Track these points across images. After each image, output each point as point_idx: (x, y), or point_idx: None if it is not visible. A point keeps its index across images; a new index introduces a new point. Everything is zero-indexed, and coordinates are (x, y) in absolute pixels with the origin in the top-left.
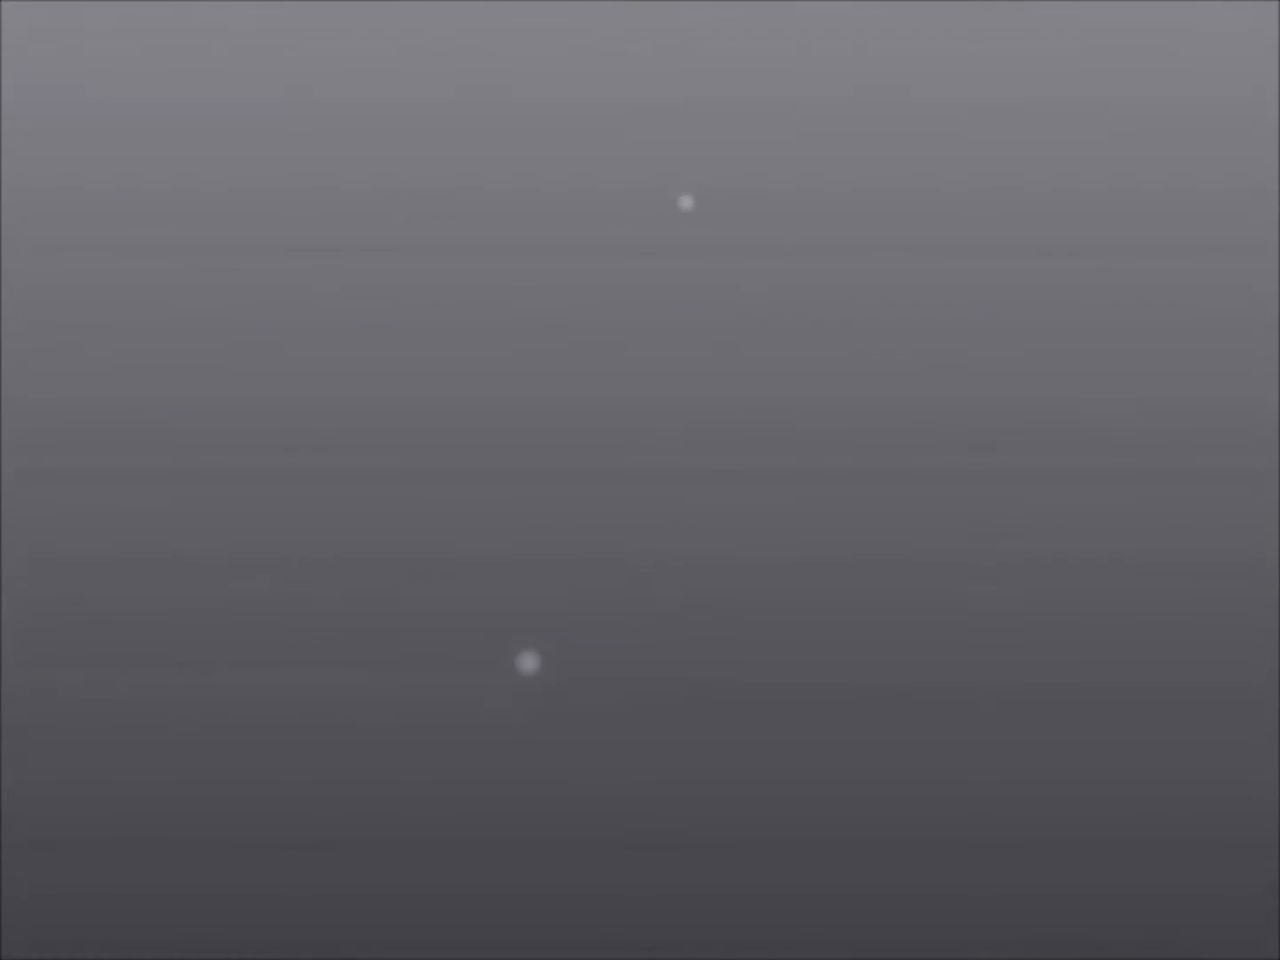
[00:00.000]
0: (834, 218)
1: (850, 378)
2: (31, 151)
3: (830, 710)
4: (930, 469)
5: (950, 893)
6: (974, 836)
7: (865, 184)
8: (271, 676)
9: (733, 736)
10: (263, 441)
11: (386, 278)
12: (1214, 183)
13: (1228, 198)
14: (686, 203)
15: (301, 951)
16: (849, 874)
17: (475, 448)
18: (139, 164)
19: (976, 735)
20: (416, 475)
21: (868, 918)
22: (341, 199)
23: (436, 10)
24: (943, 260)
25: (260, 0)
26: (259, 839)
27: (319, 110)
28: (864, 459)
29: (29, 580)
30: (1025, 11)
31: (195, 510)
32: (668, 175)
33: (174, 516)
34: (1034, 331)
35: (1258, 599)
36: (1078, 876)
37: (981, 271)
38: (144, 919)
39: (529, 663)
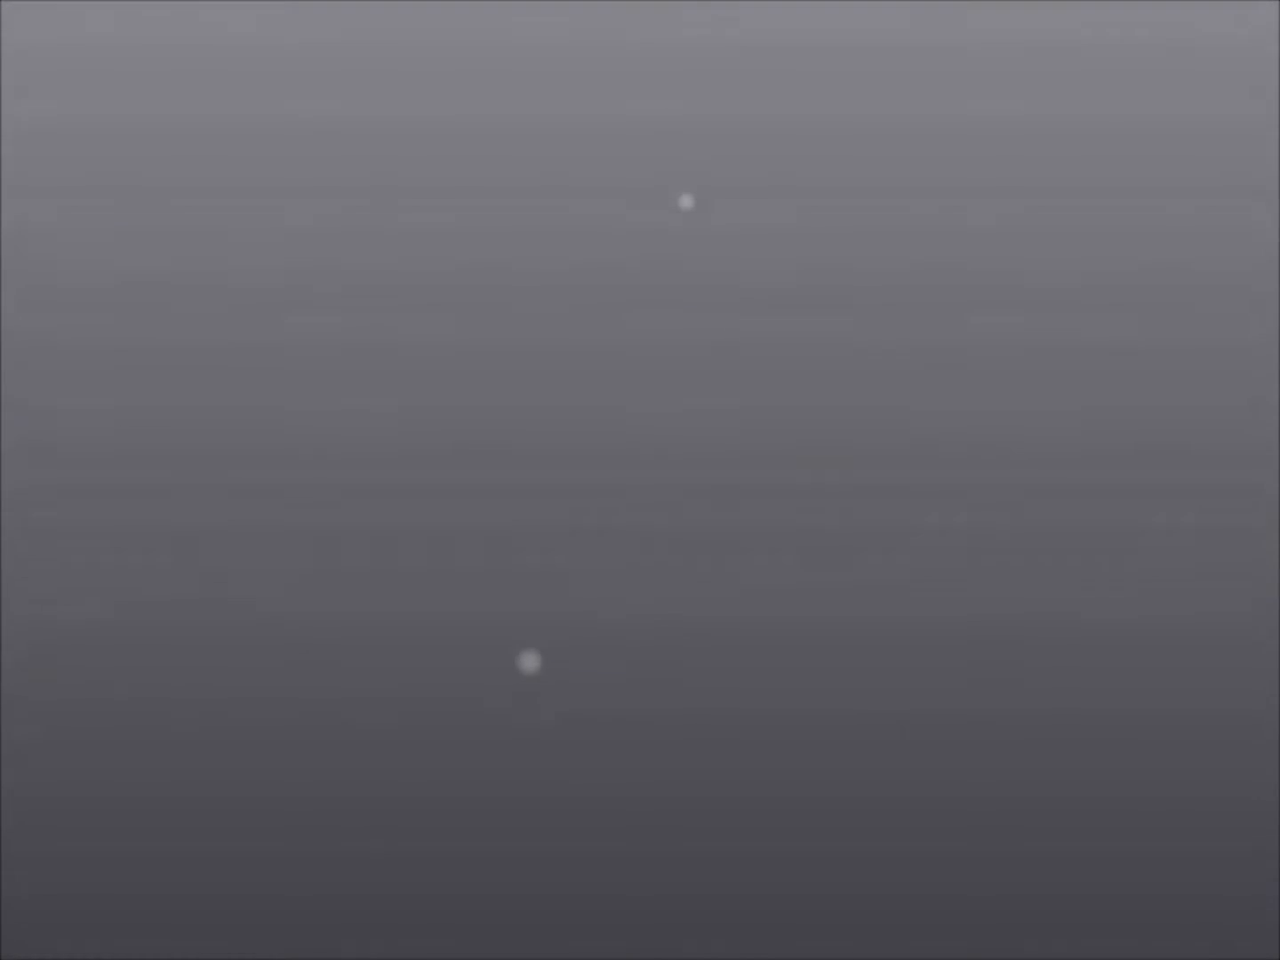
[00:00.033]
0: (833, 216)
1: (852, 380)
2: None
3: (833, 720)
4: (924, 480)
5: (948, 903)
6: (974, 846)
7: (864, 184)
8: (272, 679)
9: (734, 745)
10: (264, 446)
11: (386, 279)
12: (1214, 183)
13: (1228, 197)
14: (687, 202)
15: (302, 951)
16: (849, 879)
17: (476, 452)
18: (139, 164)
19: (978, 748)
20: (417, 475)
21: (869, 923)
22: (340, 199)
23: (436, 9)
24: (938, 257)
25: (261, 0)
26: (259, 839)
27: (320, 112)
28: (866, 470)
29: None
30: (1025, 11)
31: (195, 514)
32: (667, 174)
33: (173, 518)
34: (1034, 332)
35: (1258, 606)
36: (1078, 884)
37: (982, 273)
38: (144, 919)
39: (530, 663)
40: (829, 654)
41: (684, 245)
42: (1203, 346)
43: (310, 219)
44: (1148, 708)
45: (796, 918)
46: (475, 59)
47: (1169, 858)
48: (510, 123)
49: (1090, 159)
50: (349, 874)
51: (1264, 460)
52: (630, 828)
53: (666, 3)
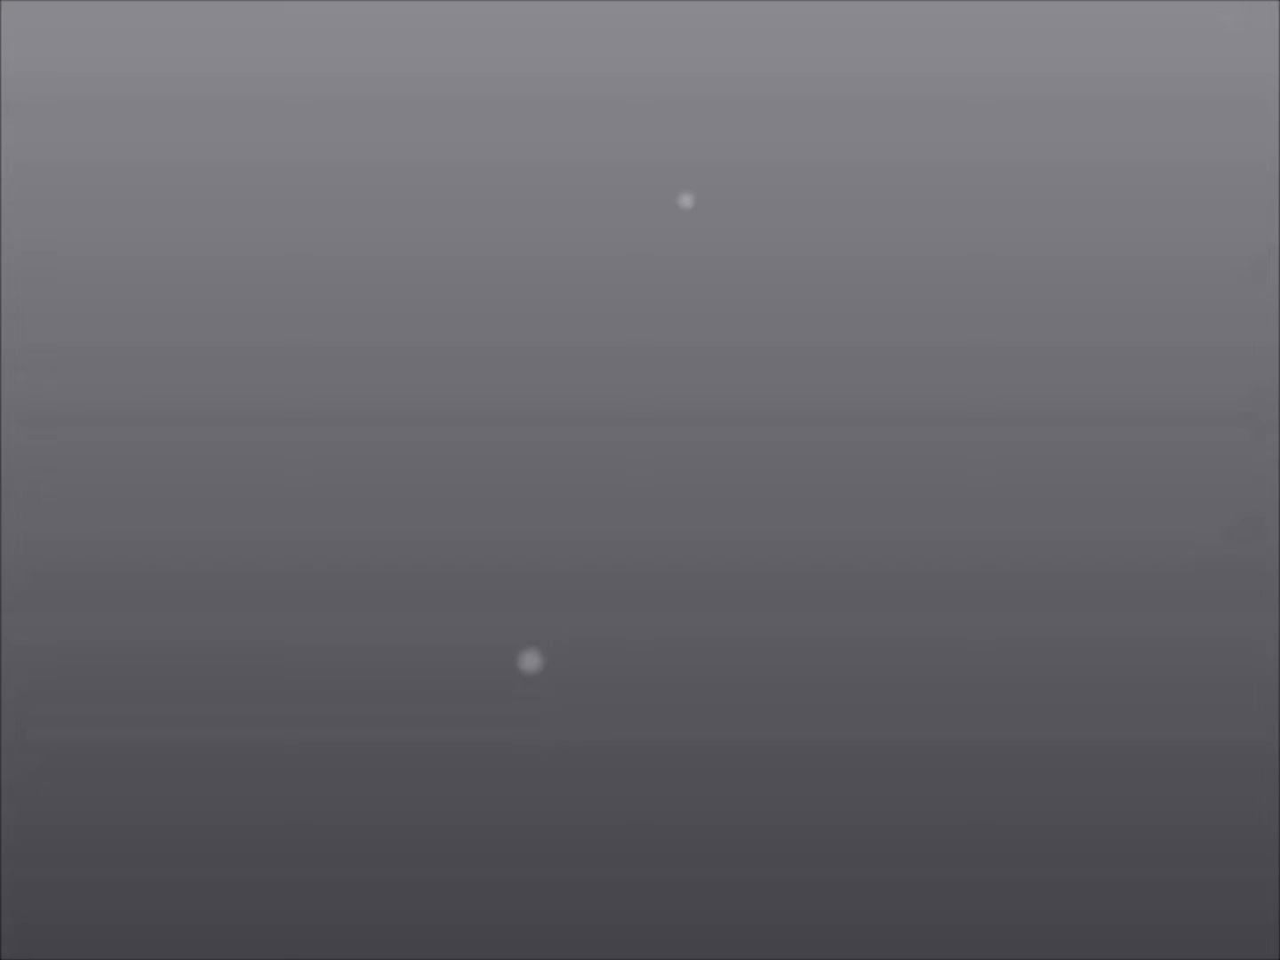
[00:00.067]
0: (834, 216)
1: (854, 379)
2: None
3: (836, 748)
4: (924, 489)
5: (946, 931)
6: (974, 873)
7: (865, 183)
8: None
9: (735, 771)
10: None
11: (386, 281)
12: (1214, 182)
13: (1228, 197)
14: (686, 201)
15: (300, 951)
16: (848, 892)
17: (476, 454)
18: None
19: (979, 777)
20: (417, 478)
21: (866, 936)
22: (338, 199)
23: (436, 8)
24: (932, 272)
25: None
26: (258, 840)
27: (320, 118)
28: (870, 475)
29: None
30: (1024, 10)
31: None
32: (668, 173)
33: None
34: (1032, 336)
35: (1258, 613)
36: (1081, 913)
37: (981, 275)
38: (144, 919)
39: (531, 662)
40: (827, 675)
41: (684, 244)
42: (1202, 353)
43: (309, 222)
44: (1148, 738)
45: (793, 945)
46: (476, 57)
47: (1170, 886)
48: (511, 120)
49: (1090, 159)
50: (349, 885)
51: (1265, 494)
52: (632, 854)
53: (667, 3)
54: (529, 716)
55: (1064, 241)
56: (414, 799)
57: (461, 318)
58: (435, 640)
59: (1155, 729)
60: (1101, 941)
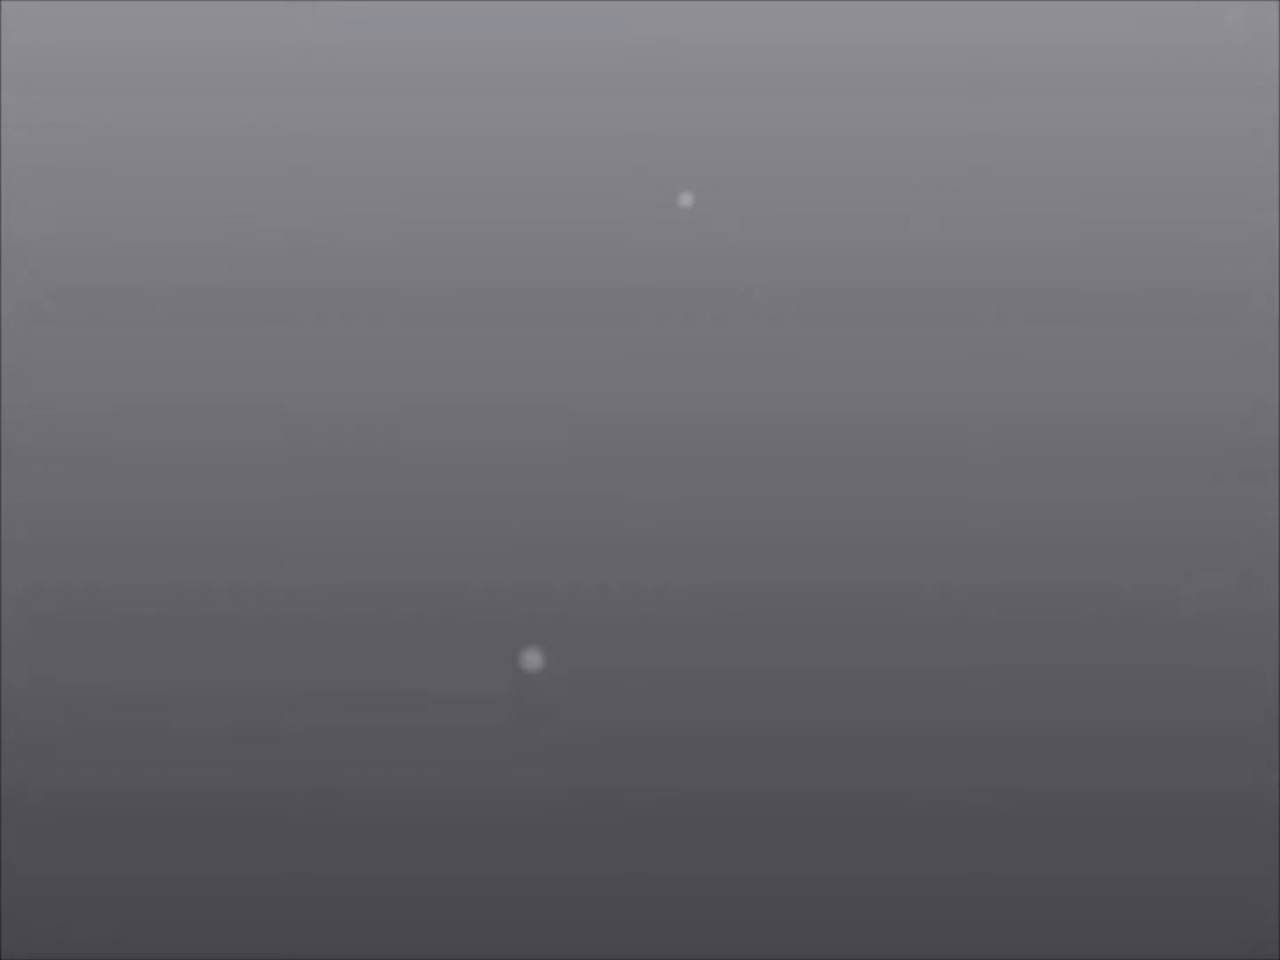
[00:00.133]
0: (833, 215)
1: (853, 377)
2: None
3: (833, 711)
4: (918, 484)
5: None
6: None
7: (864, 183)
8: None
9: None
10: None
11: (384, 282)
12: (1214, 182)
13: (1227, 197)
14: (686, 200)
15: (301, 948)
16: (849, 868)
17: (475, 455)
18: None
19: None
20: (416, 480)
21: (872, 917)
22: (337, 203)
23: (434, 12)
24: (933, 267)
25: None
26: (259, 842)
27: (321, 123)
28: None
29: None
30: (1024, 11)
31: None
32: (667, 172)
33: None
34: (1031, 342)
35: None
36: (1082, 882)
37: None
38: (144, 919)
39: (532, 661)
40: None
41: (683, 243)
42: (1202, 353)
43: (307, 219)
44: (1146, 729)
45: (792, 943)
46: (475, 59)
47: (1170, 885)
48: (509, 123)
49: (1090, 160)
50: (351, 871)
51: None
52: (631, 828)
53: (667, 3)
54: (530, 712)
55: (1063, 246)
56: (412, 792)
57: (459, 314)
58: (435, 637)
59: (1154, 717)
60: (1102, 942)
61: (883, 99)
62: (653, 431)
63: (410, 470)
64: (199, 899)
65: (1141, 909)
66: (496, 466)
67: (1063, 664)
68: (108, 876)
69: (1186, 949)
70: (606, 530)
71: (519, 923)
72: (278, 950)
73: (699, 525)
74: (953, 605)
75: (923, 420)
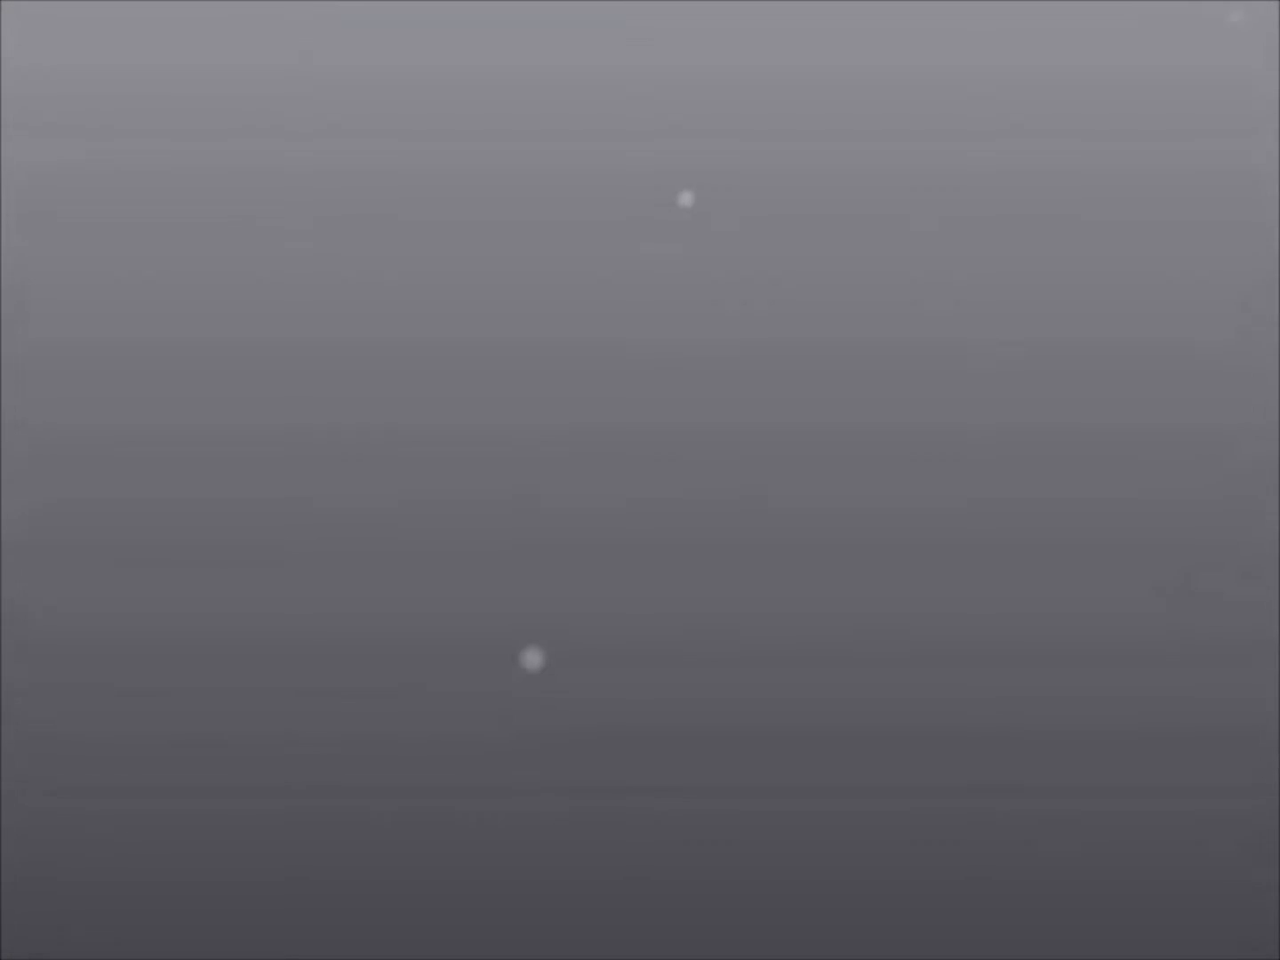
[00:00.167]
0: (832, 213)
1: (855, 374)
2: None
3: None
4: (918, 491)
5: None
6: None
7: (864, 180)
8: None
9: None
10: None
11: (384, 282)
12: (1214, 182)
13: (1227, 197)
14: (686, 199)
15: (301, 950)
16: (853, 871)
17: (479, 456)
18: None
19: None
20: (419, 481)
21: (875, 919)
22: (335, 204)
23: (435, 9)
24: (935, 260)
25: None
26: (258, 842)
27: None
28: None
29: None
30: (1024, 11)
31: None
32: (667, 171)
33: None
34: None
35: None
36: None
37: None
38: (144, 919)
39: (533, 660)
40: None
41: (683, 242)
42: (1202, 352)
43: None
44: (1147, 730)
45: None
46: (476, 57)
47: (1170, 886)
48: (510, 120)
49: (1089, 160)
50: (353, 873)
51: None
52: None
53: (667, 3)
54: (530, 711)
55: (1062, 246)
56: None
57: (459, 319)
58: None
59: (1154, 718)
60: (1103, 941)
61: (886, 101)
62: (652, 431)
63: (410, 473)
64: (198, 900)
65: (1142, 911)
66: (496, 467)
67: (1061, 668)
68: (107, 880)
69: (1187, 950)
70: (607, 531)
71: (517, 926)
72: (279, 951)
73: (699, 526)
74: (954, 608)
75: (921, 429)
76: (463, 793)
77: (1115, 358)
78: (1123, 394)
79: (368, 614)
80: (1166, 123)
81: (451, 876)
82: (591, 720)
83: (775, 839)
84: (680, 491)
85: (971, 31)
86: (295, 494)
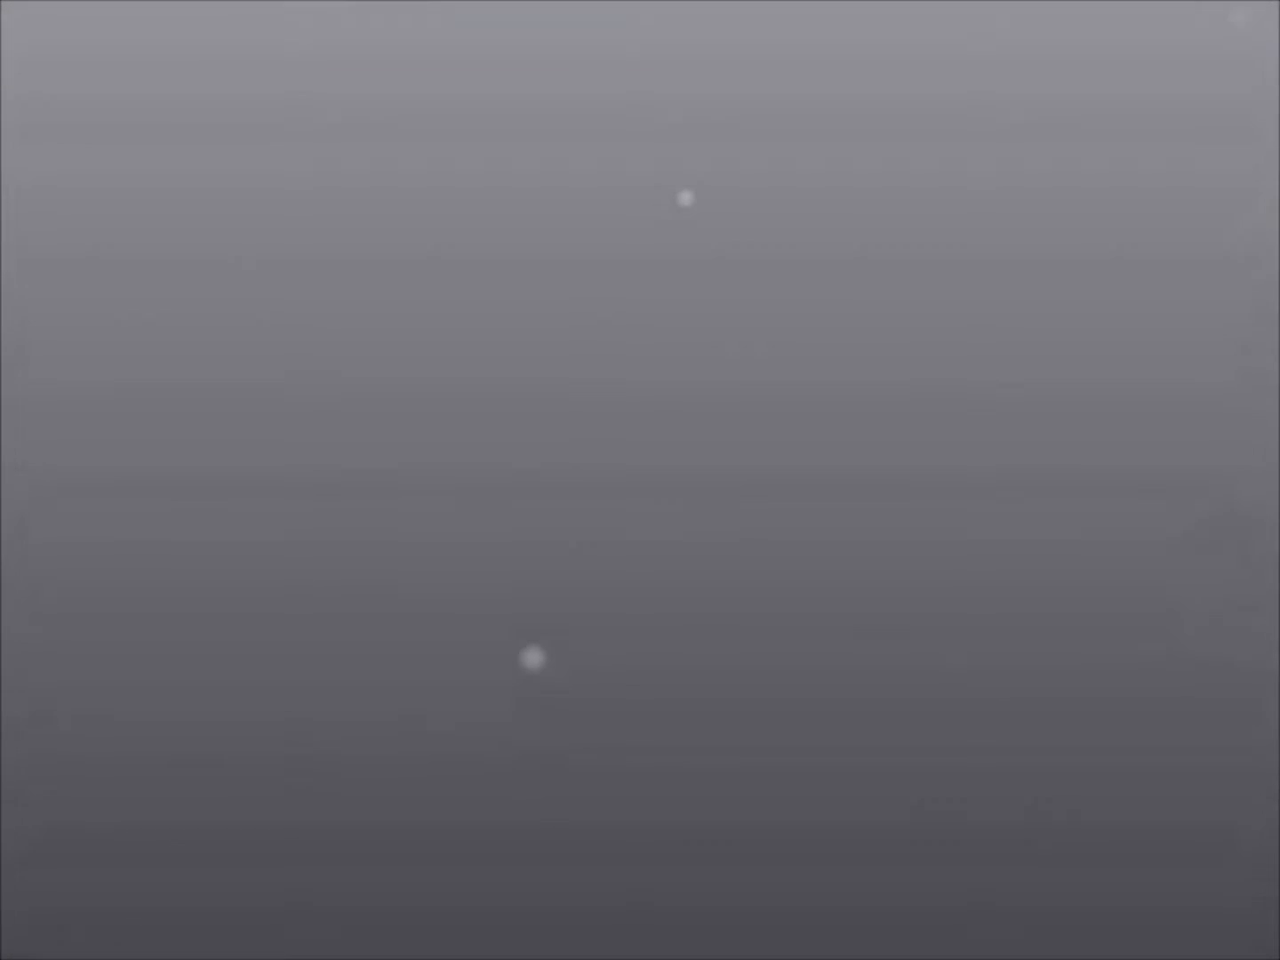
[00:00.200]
0: (833, 213)
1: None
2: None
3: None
4: (918, 500)
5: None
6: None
7: (866, 183)
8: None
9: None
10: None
11: (383, 282)
12: (1214, 182)
13: (1227, 197)
14: (686, 198)
15: (302, 952)
16: (853, 888)
17: (480, 448)
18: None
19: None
20: (420, 482)
21: (877, 926)
22: (336, 206)
23: (435, 10)
24: (936, 270)
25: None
26: (259, 842)
27: (321, 122)
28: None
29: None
30: (1024, 12)
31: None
32: (667, 170)
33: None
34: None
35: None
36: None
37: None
38: (144, 919)
39: (533, 659)
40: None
41: (683, 241)
42: (1202, 351)
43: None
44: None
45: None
46: (475, 58)
47: (1170, 885)
48: (509, 120)
49: (1089, 160)
50: (352, 882)
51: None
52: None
53: (667, 2)
54: (531, 714)
55: (1064, 246)
56: (413, 796)
57: (460, 318)
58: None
59: (1152, 726)
60: (1103, 942)
61: (880, 89)
62: (654, 431)
63: (410, 509)
64: (199, 907)
65: (1141, 929)
66: (496, 465)
67: (1059, 673)
68: (108, 889)
69: (1187, 949)
70: (608, 533)
71: (515, 941)
72: (280, 952)
73: (702, 526)
74: (952, 622)
75: (917, 470)
76: (463, 794)
77: (1114, 400)
78: (1121, 436)
79: (367, 620)
80: (1169, 121)
81: (452, 886)
82: (591, 724)
83: (773, 860)
84: (679, 528)
85: (974, 27)
86: (296, 529)
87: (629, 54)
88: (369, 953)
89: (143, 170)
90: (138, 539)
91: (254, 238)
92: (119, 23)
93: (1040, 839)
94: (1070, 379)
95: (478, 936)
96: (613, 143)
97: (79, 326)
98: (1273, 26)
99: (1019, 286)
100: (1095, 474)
